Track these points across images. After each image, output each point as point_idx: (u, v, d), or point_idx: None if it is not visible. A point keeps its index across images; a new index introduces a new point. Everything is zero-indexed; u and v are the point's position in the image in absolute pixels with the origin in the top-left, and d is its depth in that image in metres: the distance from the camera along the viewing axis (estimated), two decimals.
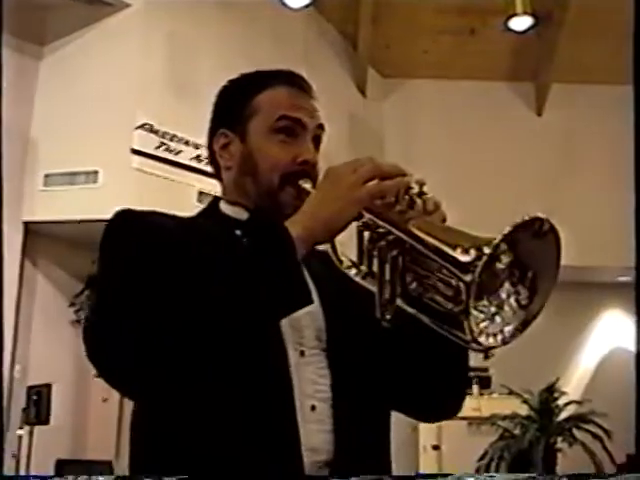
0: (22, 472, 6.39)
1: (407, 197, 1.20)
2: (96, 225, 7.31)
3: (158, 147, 7.55)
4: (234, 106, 1.44)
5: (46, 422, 6.49)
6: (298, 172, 1.35)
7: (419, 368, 1.36)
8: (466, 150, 9.36)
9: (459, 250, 1.10)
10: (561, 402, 8.41)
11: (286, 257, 1.16)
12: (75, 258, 7.79)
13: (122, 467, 7.60)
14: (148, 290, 1.18)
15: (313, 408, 1.26)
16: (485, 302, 1.13)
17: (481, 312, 1.12)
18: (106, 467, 6.72)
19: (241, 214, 1.43)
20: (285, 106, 1.40)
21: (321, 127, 1.44)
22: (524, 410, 8.33)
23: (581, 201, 9.08)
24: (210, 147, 1.50)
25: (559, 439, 8.16)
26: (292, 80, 1.47)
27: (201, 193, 7.81)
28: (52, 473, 6.25)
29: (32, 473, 6.36)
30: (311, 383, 1.28)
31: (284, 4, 8.33)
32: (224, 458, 1.20)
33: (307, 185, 1.35)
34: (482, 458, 8.09)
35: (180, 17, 7.93)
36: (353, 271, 1.27)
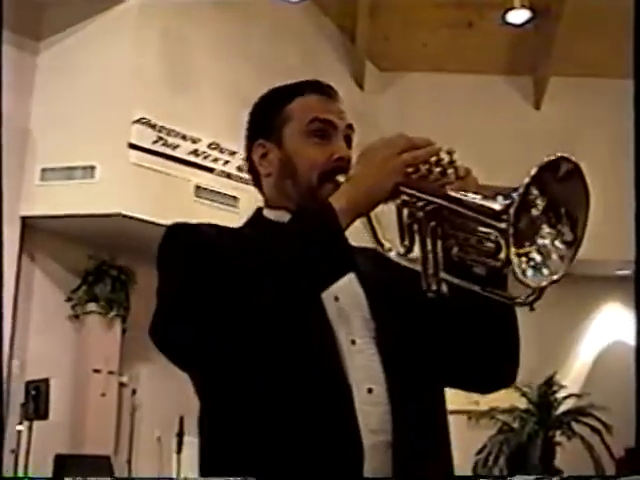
0: (21, 467, 6.40)
1: (439, 168, 1.26)
2: (93, 220, 7.32)
3: (155, 142, 7.53)
4: (267, 117, 1.54)
5: (45, 417, 6.49)
6: (334, 169, 1.42)
7: (469, 339, 1.42)
8: (464, 144, 9.31)
9: (490, 200, 1.15)
10: (560, 395, 8.43)
11: (330, 226, 1.25)
12: (72, 253, 7.79)
13: (120, 462, 7.61)
14: (206, 285, 1.28)
15: (370, 391, 1.33)
16: (527, 249, 1.16)
17: (526, 259, 1.16)
18: (105, 462, 6.73)
19: (284, 217, 1.47)
20: (315, 110, 1.50)
21: (350, 127, 1.53)
22: (523, 403, 8.34)
23: None
24: (249, 158, 1.58)
25: (558, 433, 8.17)
26: (319, 88, 1.55)
27: (198, 187, 7.80)
28: (51, 468, 6.25)
29: (31, 468, 6.36)
30: (365, 369, 1.35)
31: None
32: (286, 448, 1.28)
33: (343, 179, 1.40)
34: (480, 452, 8.10)
35: (176, 12, 7.92)
36: (387, 246, 1.34)
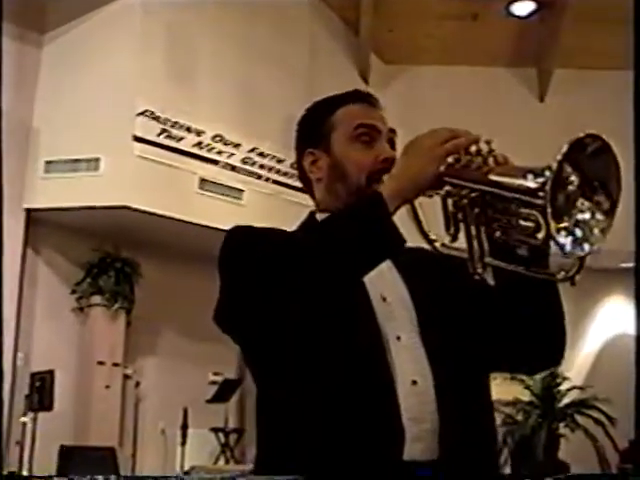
0: (26, 458, 6.42)
1: (480, 157, 1.33)
2: (98, 212, 7.32)
3: (160, 134, 7.53)
4: (315, 127, 1.64)
5: (49, 408, 6.51)
6: (381, 169, 1.50)
7: (515, 321, 1.49)
8: None
9: (527, 179, 1.21)
10: (563, 388, 8.43)
11: (378, 208, 1.33)
12: (77, 246, 7.80)
13: (125, 454, 7.64)
14: (267, 274, 1.37)
15: (414, 383, 1.40)
16: (566, 223, 1.21)
17: (565, 232, 1.21)
18: (109, 453, 6.75)
19: None
20: (360, 116, 1.59)
21: (393, 131, 1.62)
22: (526, 396, 8.35)
23: None
24: (300, 167, 1.67)
25: (561, 425, 8.18)
26: (361, 97, 1.64)
27: (203, 180, 7.80)
28: (56, 459, 6.27)
29: (35, 459, 6.38)
30: (410, 362, 1.43)
31: None
32: (331, 436, 1.37)
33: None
34: None
35: (181, 4, 7.91)
36: (433, 237, 1.41)
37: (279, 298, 1.34)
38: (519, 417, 8.26)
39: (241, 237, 1.52)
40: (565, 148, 1.18)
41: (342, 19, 9.79)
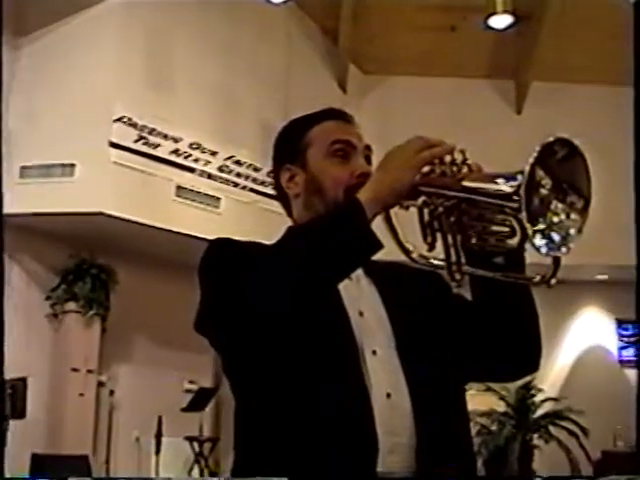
0: None
1: (454, 167, 1.37)
2: (73, 218, 7.26)
3: (136, 140, 7.50)
4: (291, 143, 1.66)
5: (22, 416, 6.44)
6: (357, 184, 1.50)
7: (492, 330, 1.53)
8: None
9: (501, 184, 1.25)
10: (538, 399, 8.47)
11: (356, 213, 1.35)
12: (52, 251, 7.75)
13: (98, 462, 7.57)
14: (247, 282, 1.38)
15: (389, 396, 1.42)
16: (542, 226, 1.24)
17: (541, 235, 1.24)
18: (83, 462, 6.69)
19: None
20: (335, 132, 1.62)
21: (369, 148, 1.64)
22: (501, 407, 8.39)
23: None
24: (278, 183, 1.69)
25: (535, 436, 8.21)
26: (337, 114, 1.67)
27: (179, 187, 7.78)
28: (28, 467, 6.21)
29: (7, 468, 6.30)
30: (385, 376, 1.44)
31: None
32: (304, 447, 1.39)
33: None
34: None
35: (160, 10, 7.89)
36: (409, 247, 1.43)
37: (257, 305, 1.35)
38: (494, 427, 8.29)
39: (222, 248, 1.53)
40: (536, 152, 1.21)
41: (321, 28, 9.82)
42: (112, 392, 8.14)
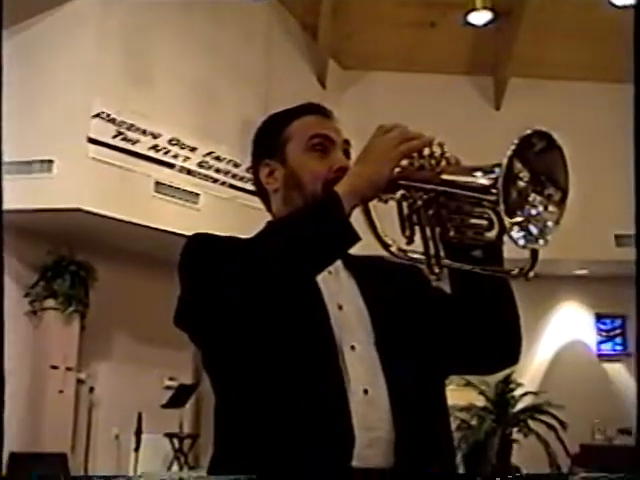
0: None
1: (433, 160, 1.37)
2: (52, 215, 7.20)
3: (115, 136, 7.46)
4: (270, 138, 1.67)
5: None
6: (336, 178, 1.50)
7: (471, 323, 1.55)
8: None
9: (479, 175, 1.26)
10: (517, 393, 8.51)
11: (333, 206, 1.36)
12: (31, 248, 7.69)
13: (77, 460, 7.54)
14: (226, 278, 1.38)
15: (366, 392, 1.43)
16: (520, 218, 1.25)
17: (519, 227, 1.25)
18: (61, 459, 6.66)
19: None
20: (314, 127, 1.63)
21: (347, 142, 1.65)
22: (481, 401, 8.42)
23: None
24: (257, 178, 1.70)
25: (515, 430, 8.25)
26: (315, 109, 1.68)
27: (158, 183, 7.74)
28: (5, 466, 6.17)
29: None
30: (363, 372, 1.45)
31: None
32: (282, 442, 1.39)
33: None
34: None
35: (139, 6, 7.85)
36: (394, 247, 1.42)
37: (235, 299, 1.35)
38: (473, 422, 8.31)
39: (202, 243, 1.53)
40: (514, 144, 1.21)
41: (301, 24, 9.81)
42: (92, 389, 8.11)
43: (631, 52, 1.31)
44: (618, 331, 10.57)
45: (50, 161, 7.17)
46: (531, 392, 8.68)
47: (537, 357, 10.30)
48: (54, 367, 7.61)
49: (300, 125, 1.64)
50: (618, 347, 10.59)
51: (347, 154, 1.63)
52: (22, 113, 7.25)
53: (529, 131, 1.23)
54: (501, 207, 1.20)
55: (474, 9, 8.79)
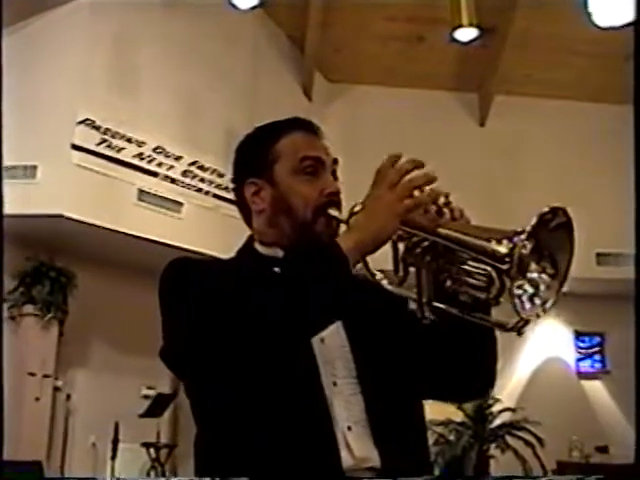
0: None
1: (435, 207, 1.37)
2: (32, 220, 7.17)
3: (99, 143, 7.45)
4: (257, 156, 1.61)
5: None
6: (326, 203, 1.52)
7: (450, 354, 1.53)
8: (408, 157, 9.40)
9: (493, 243, 1.24)
10: (495, 409, 8.52)
11: (340, 266, 1.33)
12: (9, 253, 7.61)
13: (53, 468, 7.47)
14: (212, 313, 1.35)
15: (349, 429, 1.43)
16: (519, 282, 1.25)
17: (518, 292, 1.25)
18: (35, 467, 6.59)
19: (277, 252, 1.58)
20: (304, 148, 1.57)
21: (335, 162, 1.61)
22: (459, 416, 8.42)
23: (523, 211, 9.16)
24: (240, 196, 1.64)
25: (492, 446, 8.26)
26: (304, 125, 1.63)
27: (141, 191, 7.72)
28: None
29: None
30: (344, 408, 1.44)
31: (232, 5, 8.28)
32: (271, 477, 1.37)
33: (335, 213, 1.53)
34: None
35: (126, 14, 7.85)
36: (385, 281, 1.43)
37: (229, 350, 1.32)
38: (451, 437, 8.32)
39: (180, 273, 1.50)
40: (535, 220, 1.22)
41: (288, 36, 9.83)
42: (69, 397, 8.05)
43: (616, 72, 1.33)
44: (597, 349, 10.62)
45: (34, 167, 7.14)
46: (509, 408, 8.70)
47: (516, 373, 10.31)
48: (31, 374, 7.55)
49: (289, 144, 1.59)
50: (597, 364, 10.63)
51: (334, 174, 1.60)
52: (6, 117, 7.21)
53: (551, 206, 1.24)
54: (512, 276, 1.21)
55: (461, 25, 8.83)
